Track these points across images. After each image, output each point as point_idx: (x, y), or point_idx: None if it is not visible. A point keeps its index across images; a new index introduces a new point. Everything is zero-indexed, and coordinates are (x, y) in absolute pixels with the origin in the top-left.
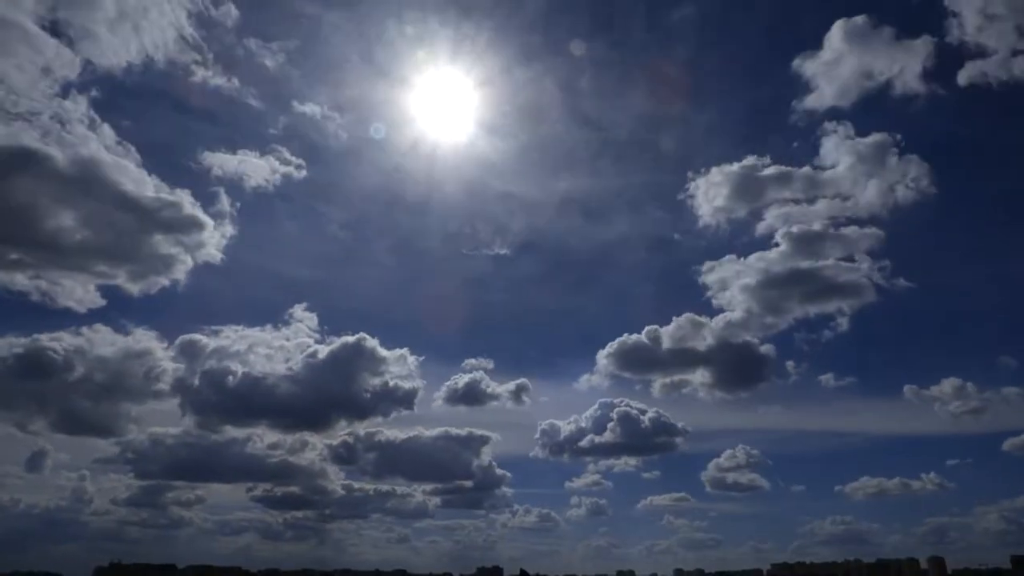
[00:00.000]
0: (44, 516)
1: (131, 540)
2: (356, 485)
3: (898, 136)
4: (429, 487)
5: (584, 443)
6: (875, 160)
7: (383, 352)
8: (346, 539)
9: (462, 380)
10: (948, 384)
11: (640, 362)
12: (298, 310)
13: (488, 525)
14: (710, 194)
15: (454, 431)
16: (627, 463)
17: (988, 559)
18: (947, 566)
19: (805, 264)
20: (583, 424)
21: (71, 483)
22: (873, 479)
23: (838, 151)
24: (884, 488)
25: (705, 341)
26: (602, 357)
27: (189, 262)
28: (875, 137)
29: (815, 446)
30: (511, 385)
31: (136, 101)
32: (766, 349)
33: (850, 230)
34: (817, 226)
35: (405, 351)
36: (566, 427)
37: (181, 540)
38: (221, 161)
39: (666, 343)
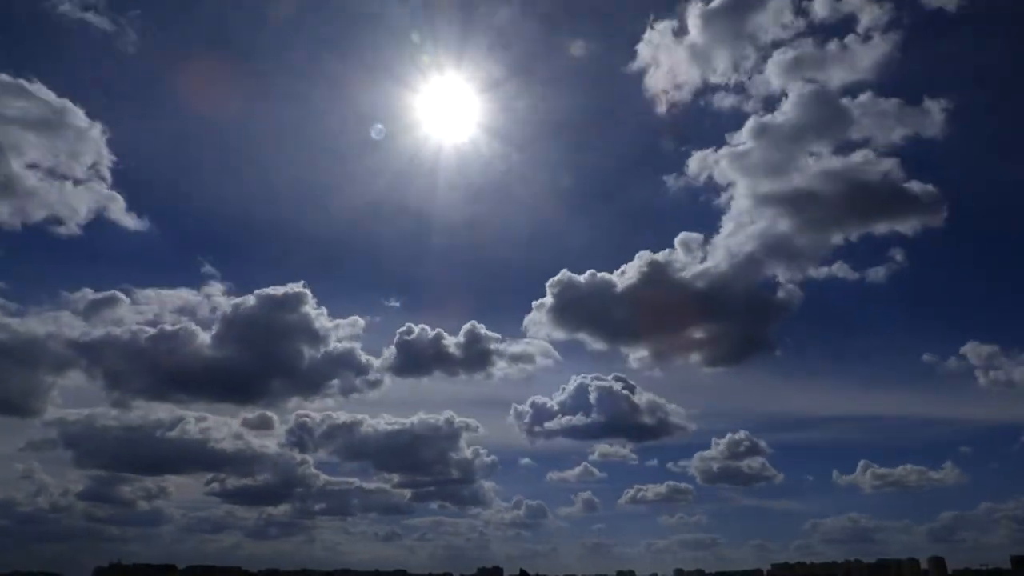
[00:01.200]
0: (7, 512)
1: (110, 538)
2: (327, 478)
3: None
4: (407, 479)
5: (564, 426)
6: None
7: (329, 323)
8: (330, 538)
9: (409, 341)
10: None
11: (596, 319)
12: (207, 265)
13: (478, 521)
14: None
15: (427, 417)
16: (618, 451)
17: (991, 559)
18: (947, 566)
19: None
20: (553, 406)
21: (17, 474)
22: (881, 469)
23: None
24: (894, 481)
25: (683, 290)
26: (543, 310)
27: (86, 206)
28: None
29: (824, 431)
30: (460, 339)
31: None
32: (770, 300)
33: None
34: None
35: (356, 318)
36: (544, 408)
37: (158, 539)
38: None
39: (627, 290)
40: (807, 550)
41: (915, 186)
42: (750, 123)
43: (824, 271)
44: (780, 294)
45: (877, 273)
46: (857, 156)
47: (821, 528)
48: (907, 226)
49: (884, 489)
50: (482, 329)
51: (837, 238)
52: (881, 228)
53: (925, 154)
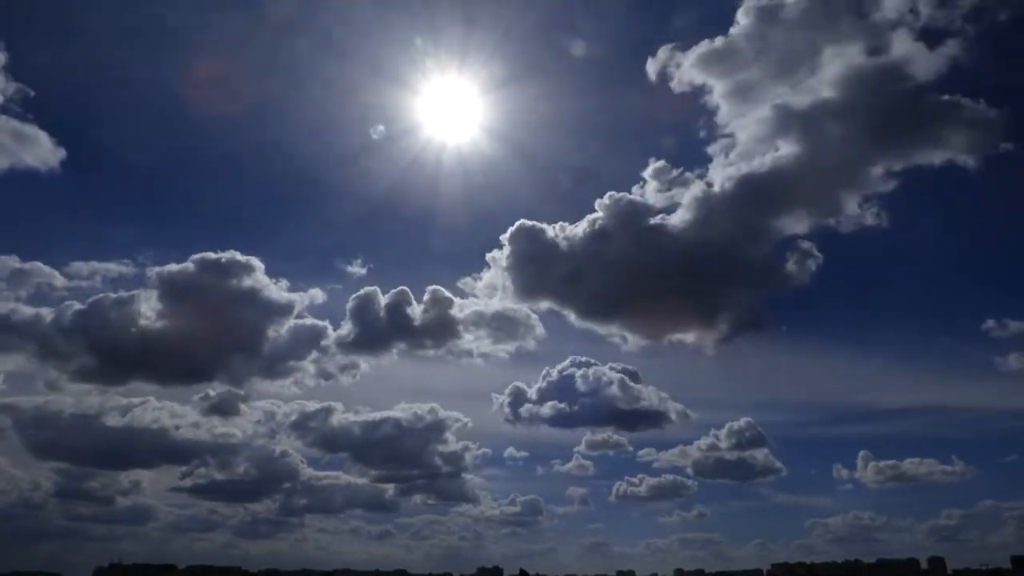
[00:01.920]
0: None
1: (100, 537)
2: (311, 472)
3: None
4: (387, 472)
5: (549, 414)
6: None
7: (287, 296)
8: (321, 536)
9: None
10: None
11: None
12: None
13: (468, 519)
14: None
15: (412, 407)
16: (609, 438)
17: (991, 558)
18: (947, 566)
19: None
20: (532, 395)
21: None
22: (886, 462)
23: None
24: (901, 475)
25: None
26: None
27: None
28: None
29: (829, 423)
30: (424, 307)
31: None
32: (776, 260)
33: None
34: None
35: (317, 290)
36: (527, 395)
37: (146, 537)
38: None
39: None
40: (808, 549)
41: (970, 102)
42: (743, 10)
43: (845, 220)
44: (787, 253)
45: (913, 222)
46: (891, 58)
47: (823, 526)
48: (959, 155)
49: (887, 484)
50: (457, 299)
51: (864, 173)
52: (923, 159)
53: (984, 60)
